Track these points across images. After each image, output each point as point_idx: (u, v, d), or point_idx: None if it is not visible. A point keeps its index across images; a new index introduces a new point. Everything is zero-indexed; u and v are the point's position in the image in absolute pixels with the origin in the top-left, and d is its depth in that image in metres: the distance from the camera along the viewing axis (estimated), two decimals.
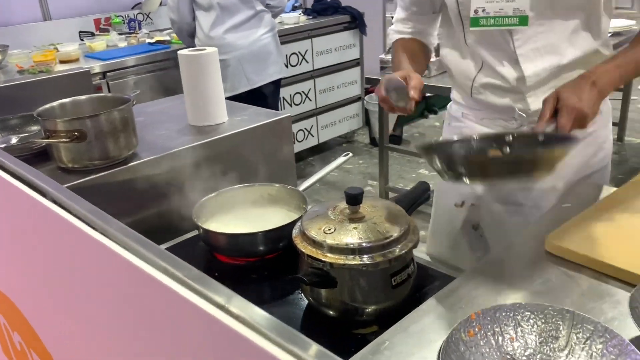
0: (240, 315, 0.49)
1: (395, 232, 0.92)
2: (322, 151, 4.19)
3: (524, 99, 1.18)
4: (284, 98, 3.66)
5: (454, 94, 1.41)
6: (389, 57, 3.03)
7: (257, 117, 1.68)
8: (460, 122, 1.38)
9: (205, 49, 1.59)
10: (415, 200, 1.15)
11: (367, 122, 4.32)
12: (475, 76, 1.24)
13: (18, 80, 1.92)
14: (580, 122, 0.96)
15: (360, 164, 3.99)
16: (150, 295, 0.52)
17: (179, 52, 1.58)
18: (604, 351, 0.57)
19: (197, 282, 0.54)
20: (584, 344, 0.59)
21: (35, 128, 1.56)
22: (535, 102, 1.17)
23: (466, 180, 0.84)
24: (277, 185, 1.32)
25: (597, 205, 0.96)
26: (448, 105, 1.46)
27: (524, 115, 1.20)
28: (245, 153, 1.58)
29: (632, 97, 4.66)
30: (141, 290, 0.53)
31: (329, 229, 0.94)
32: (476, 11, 1.15)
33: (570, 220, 0.91)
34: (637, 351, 0.55)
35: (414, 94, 1.08)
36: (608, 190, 1.05)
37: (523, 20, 1.09)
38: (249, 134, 1.59)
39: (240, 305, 0.51)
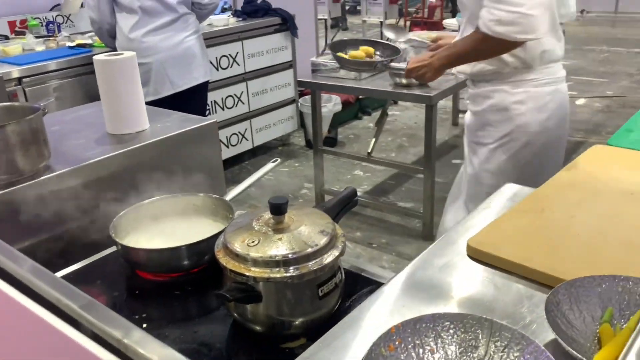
0: (138, 352, 0.45)
1: (320, 241, 0.90)
2: (258, 154, 4.14)
3: None
4: (215, 102, 3.58)
5: None
6: (320, 59, 3.02)
7: (181, 123, 1.62)
8: None
9: (122, 54, 1.51)
10: (343, 206, 1.14)
11: (302, 124, 4.31)
12: None
13: None
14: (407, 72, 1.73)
15: (297, 167, 3.96)
16: (37, 335, 0.48)
17: (94, 57, 1.50)
18: (521, 359, 0.57)
19: (93, 314, 0.50)
20: (502, 352, 0.59)
21: None
22: None
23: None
24: (201, 195, 1.27)
25: (515, 208, 0.98)
26: None
27: None
28: (169, 162, 1.52)
29: None
30: (26, 330, 0.48)
31: (253, 241, 0.91)
32: None
33: (489, 224, 0.92)
34: (552, 357, 0.55)
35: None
36: (523, 190, 1.08)
37: None
38: (173, 141, 1.52)
39: (139, 339, 0.47)
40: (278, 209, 0.93)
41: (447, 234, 0.95)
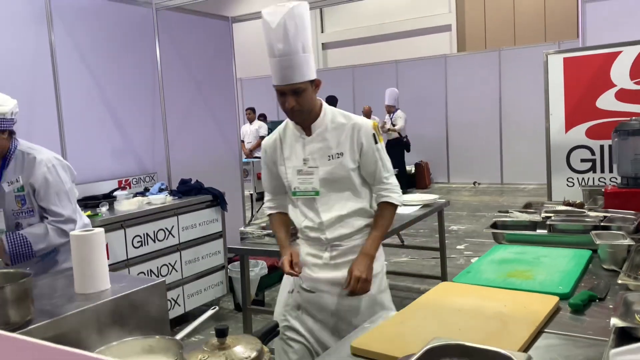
0: None
1: (252, 355, 1.31)
2: (189, 320, 4.38)
3: (324, 232, 2.10)
4: (150, 270, 3.93)
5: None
6: (248, 229, 3.53)
7: (134, 283, 2.01)
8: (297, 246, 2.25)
9: (93, 230, 1.94)
10: (270, 333, 1.57)
11: (231, 289, 4.66)
12: (302, 222, 2.15)
13: None
14: (358, 280, 1.98)
15: (206, 332, 4.23)
16: None
17: (71, 233, 1.92)
18: None
19: None
20: None
21: None
22: (329, 234, 2.10)
23: None
24: (157, 336, 1.64)
25: (384, 323, 1.44)
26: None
27: (324, 240, 2.11)
28: (126, 313, 1.88)
29: (451, 256, 5.63)
30: None
31: (205, 357, 1.30)
32: (294, 188, 2.10)
33: (365, 333, 1.37)
34: None
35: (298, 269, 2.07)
36: (390, 313, 1.55)
37: (317, 193, 2.08)
38: (128, 297, 1.90)
39: None
40: (222, 332, 1.35)
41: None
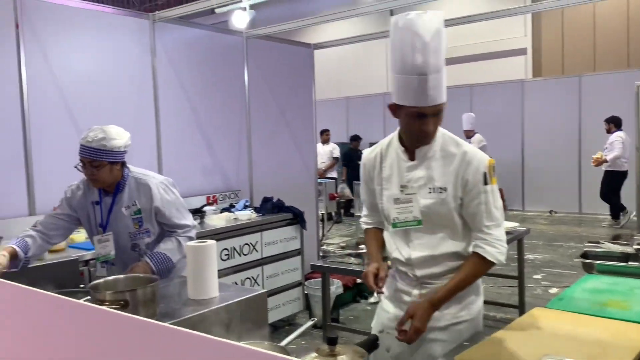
0: None
1: None
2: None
3: (413, 269, 1.90)
4: (235, 282, 4.14)
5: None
6: (330, 247, 3.67)
7: (239, 292, 2.19)
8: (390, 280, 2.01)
9: (206, 242, 2.14)
10: (371, 344, 1.69)
11: (306, 306, 4.80)
12: (393, 252, 1.96)
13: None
14: (417, 333, 1.74)
15: (303, 345, 4.36)
16: None
17: (187, 244, 2.13)
18: None
19: None
20: None
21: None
22: (419, 272, 1.88)
23: None
24: (266, 342, 1.79)
25: (485, 341, 1.53)
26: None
27: (412, 277, 1.91)
28: (232, 320, 2.05)
29: (527, 285, 5.51)
30: None
31: None
32: (394, 219, 1.88)
33: (469, 349, 1.46)
34: None
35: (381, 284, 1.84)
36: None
37: (419, 222, 1.84)
38: (235, 304, 2.08)
39: None
40: (332, 340, 1.48)
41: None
